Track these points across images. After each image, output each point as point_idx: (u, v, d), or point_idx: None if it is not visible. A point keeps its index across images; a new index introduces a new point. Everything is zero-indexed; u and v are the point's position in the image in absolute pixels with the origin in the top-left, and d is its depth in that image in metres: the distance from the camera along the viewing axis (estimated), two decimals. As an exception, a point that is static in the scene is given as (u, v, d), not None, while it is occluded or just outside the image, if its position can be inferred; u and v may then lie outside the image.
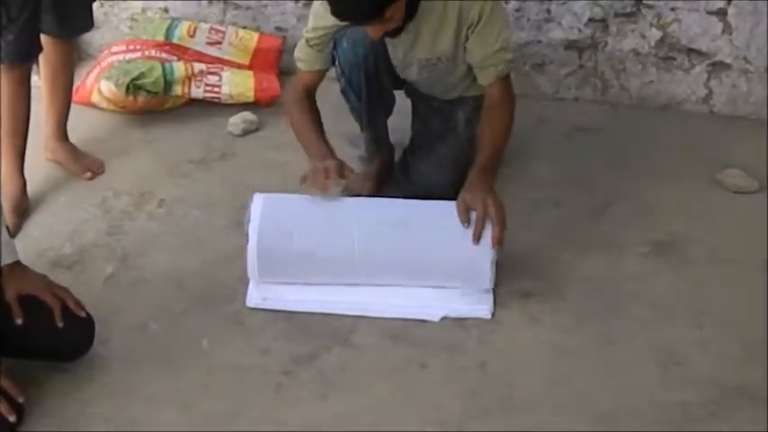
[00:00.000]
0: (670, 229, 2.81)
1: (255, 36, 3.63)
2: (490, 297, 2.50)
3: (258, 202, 2.49)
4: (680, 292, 2.57)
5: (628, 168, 3.10)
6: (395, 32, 2.53)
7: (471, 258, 2.44)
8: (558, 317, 2.49)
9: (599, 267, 2.67)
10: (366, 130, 2.94)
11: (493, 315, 2.48)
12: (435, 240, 2.47)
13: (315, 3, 2.69)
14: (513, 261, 2.54)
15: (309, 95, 2.76)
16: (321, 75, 2.77)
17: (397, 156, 3.04)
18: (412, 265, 2.49)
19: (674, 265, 2.69)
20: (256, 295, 2.53)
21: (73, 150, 3.11)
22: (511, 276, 2.57)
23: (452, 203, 2.48)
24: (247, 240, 2.46)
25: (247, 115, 3.33)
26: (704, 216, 2.88)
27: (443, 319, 2.47)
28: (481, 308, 2.49)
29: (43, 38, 2.82)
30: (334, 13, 2.42)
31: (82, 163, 3.08)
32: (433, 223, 2.48)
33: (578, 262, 2.68)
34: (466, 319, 2.47)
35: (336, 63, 2.75)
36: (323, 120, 2.72)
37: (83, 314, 2.22)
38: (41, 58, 2.89)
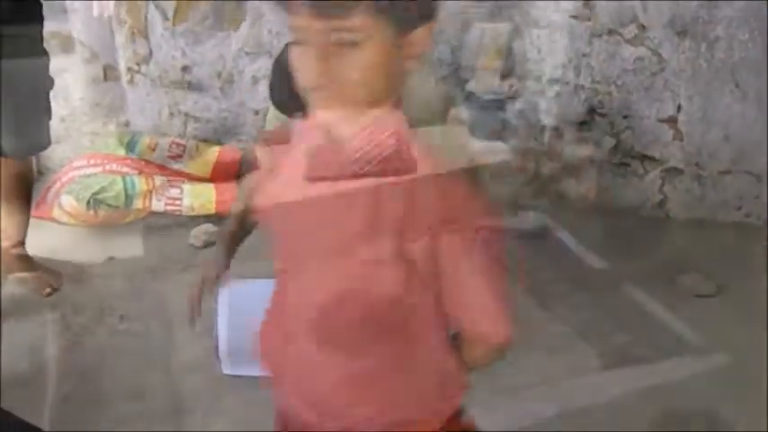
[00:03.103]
0: (630, 333, 2.82)
1: (216, 148, 3.67)
2: None
3: (224, 310, 2.54)
4: (639, 396, 2.57)
5: (587, 274, 3.12)
6: None
7: None
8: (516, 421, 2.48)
9: (557, 372, 2.67)
10: None
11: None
12: None
13: (270, 110, 2.71)
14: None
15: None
16: None
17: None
18: None
19: (634, 368, 2.69)
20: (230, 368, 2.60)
21: (31, 265, 3.09)
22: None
23: None
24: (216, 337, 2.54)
25: (209, 227, 3.34)
26: (663, 320, 2.90)
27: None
28: None
29: None
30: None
31: (41, 278, 3.06)
32: None
33: (535, 368, 2.68)
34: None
35: None
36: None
37: (40, 436, 2.18)
38: (-2, 175, 2.88)
